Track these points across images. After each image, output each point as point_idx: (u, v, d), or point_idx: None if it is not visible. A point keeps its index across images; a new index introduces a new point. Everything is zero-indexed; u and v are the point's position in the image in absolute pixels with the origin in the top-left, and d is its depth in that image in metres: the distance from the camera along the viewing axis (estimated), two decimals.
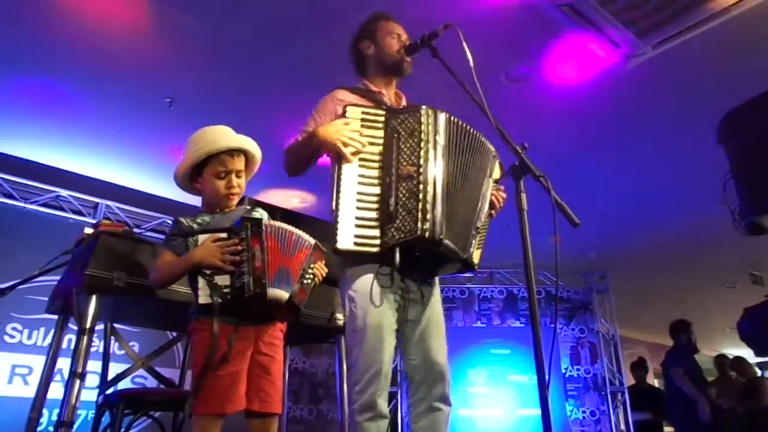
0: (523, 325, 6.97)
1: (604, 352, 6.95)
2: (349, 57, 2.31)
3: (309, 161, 2.03)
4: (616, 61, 3.64)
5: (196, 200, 2.02)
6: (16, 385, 4.18)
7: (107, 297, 2.03)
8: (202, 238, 1.75)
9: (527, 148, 1.66)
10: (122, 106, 4.30)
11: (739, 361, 6.15)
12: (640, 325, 10.91)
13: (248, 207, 1.98)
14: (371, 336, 1.76)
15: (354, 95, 2.10)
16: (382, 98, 2.15)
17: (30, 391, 3.89)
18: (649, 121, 4.41)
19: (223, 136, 1.90)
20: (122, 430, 2.28)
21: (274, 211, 2.21)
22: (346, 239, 1.75)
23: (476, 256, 2.02)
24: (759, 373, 6.30)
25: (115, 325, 2.71)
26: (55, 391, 2.48)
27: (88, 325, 1.94)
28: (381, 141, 1.88)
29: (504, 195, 2.14)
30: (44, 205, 4.85)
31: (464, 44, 1.83)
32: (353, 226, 1.77)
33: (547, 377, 1.42)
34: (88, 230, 2.14)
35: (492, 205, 2.08)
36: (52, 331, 2.52)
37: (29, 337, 4.32)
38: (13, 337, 4.25)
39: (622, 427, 6.67)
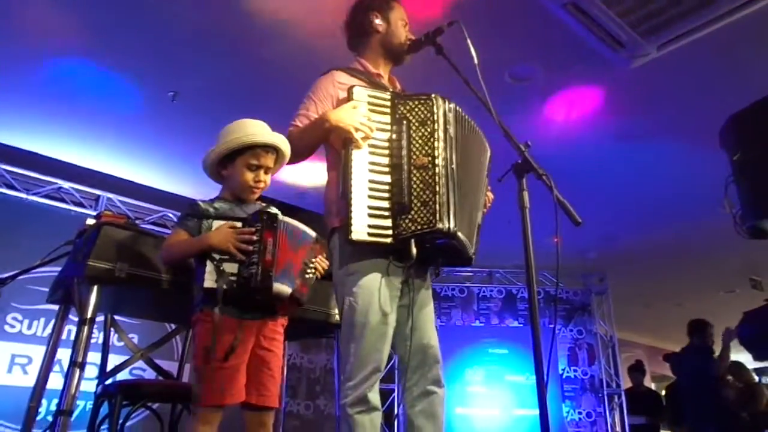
0: (521, 325, 6.97)
1: (602, 354, 6.95)
2: (347, 23, 2.17)
3: (315, 147, 1.98)
4: (620, 62, 3.63)
5: (197, 194, 2.02)
6: (16, 375, 4.19)
7: (108, 288, 2.04)
8: (216, 223, 1.77)
9: (530, 146, 1.65)
10: (125, 98, 4.31)
11: (737, 366, 6.14)
12: (638, 327, 10.91)
13: (263, 204, 1.99)
14: (373, 334, 1.73)
15: (354, 78, 2.00)
16: (382, 81, 2.08)
17: (29, 381, 3.91)
18: (652, 122, 4.41)
19: (262, 130, 1.92)
20: (120, 420, 2.29)
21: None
22: (360, 229, 1.70)
23: None
24: (756, 378, 6.28)
25: (115, 317, 2.72)
26: (54, 381, 2.49)
27: (89, 316, 1.94)
28: (388, 127, 1.83)
29: (491, 195, 2.12)
30: (46, 196, 4.85)
31: (468, 41, 1.82)
32: (366, 216, 1.71)
33: (545, 378, 1.42)
34: (91, 221, 2.14)
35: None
36: (52, 321, 2.53)
37: (29, 327, 4.33)
38: (13, 326, 4.26)
39: (618, 429, 6.67)
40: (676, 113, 4.26)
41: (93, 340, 2.17)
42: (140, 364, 3.06)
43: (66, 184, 4.98)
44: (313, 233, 1.90)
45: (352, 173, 1.75)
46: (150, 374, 2.97)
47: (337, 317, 2.59)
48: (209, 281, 1.68)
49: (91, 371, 3.08)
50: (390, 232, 1.72)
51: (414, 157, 1.77)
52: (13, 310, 4.26)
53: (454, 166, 1.79)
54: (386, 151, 1.81)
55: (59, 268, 2.52)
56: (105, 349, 2.61)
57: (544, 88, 4.04)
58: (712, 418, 4.94)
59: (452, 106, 1.87)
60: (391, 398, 6.21)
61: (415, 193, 1.74)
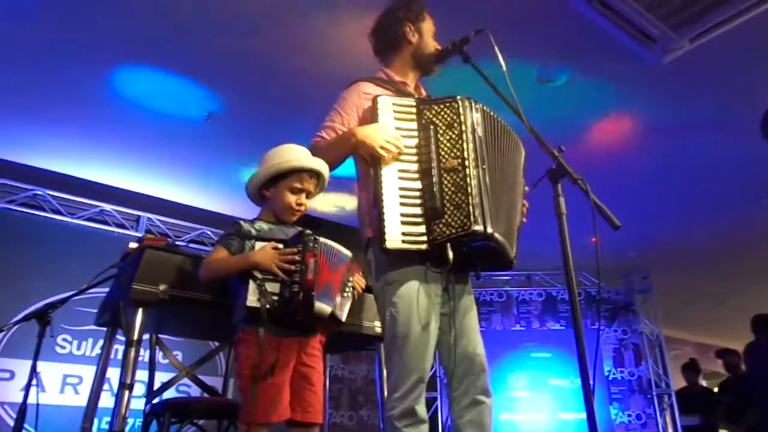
0: (563, 327, 6.84)
1: (649, 354, 6.76)
2: (376, 31, 2.17)
3: (341, 161, 1.99)
4: (652, 57, 3.55)
5: (233, 212, 2.07)
6: (68, 394, 4.33)
7: (152, 309, 2.09)
8: (259, 244, 1.81)
9: (564, 151, 1.62)
10: (161, 122, 4.43)
11: None
12: (686, 325, 10.57)
13: (299, 228, 2.01)
14: (415, 343, 1.71)
15: (380, 88, 2.00)
16: (407, 89, 2.08)
17: (80, 400, 4.03)
18: (688, 116, 4.30)
19: (307, 156, 1.96)
20: None
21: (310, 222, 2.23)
22: (394, 238, 1.68)
23: None
24: None
25: (160, 336, 2.78)
26: (104, 399, 2.55)
27: (135, 337, 1.99)
28: (415, 133, 1.82)
29: (527, 203, 2.07)
30: (90, 219, 5.02)
31: (496, 49, 1.81)
32: (399, 224, 1.70)
33: (592, 381, 1.38)
34: (133, 244, 2.19)
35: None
36: (100, 341, 2.60)
37: (78, 348, 4.48)
38: (63, 348, 4.41)
39: (670, 431, 6.48)
40: (712, 106, 4.14)
41: (140, 359, 2.22)
42: (186, 381, 3.12)
43: (108, 207, 5.15)
44: (349, 253, 1.92)
45: (383, 182, 1.74)
46: (195, 390, 3.02)
47: (375, 329, 2.58)
48: (252, 300, 1.70)
49: (139, 388, 3.16)
50: (425, 238, 1.69)
51: (443, 160, 1.75)
52: (63, 331, 4.41)
53: (485, 166, 1.77)
54: (415, 157, 1.80)
55: (105, 290, 2.60)
56: (152, 368, 2.67)
57: (574, 88, 3.98)
58: None
59: (480, 106, 1.85)
60: (434, 407, 6.17)
61: (447, 197, 1.71)
